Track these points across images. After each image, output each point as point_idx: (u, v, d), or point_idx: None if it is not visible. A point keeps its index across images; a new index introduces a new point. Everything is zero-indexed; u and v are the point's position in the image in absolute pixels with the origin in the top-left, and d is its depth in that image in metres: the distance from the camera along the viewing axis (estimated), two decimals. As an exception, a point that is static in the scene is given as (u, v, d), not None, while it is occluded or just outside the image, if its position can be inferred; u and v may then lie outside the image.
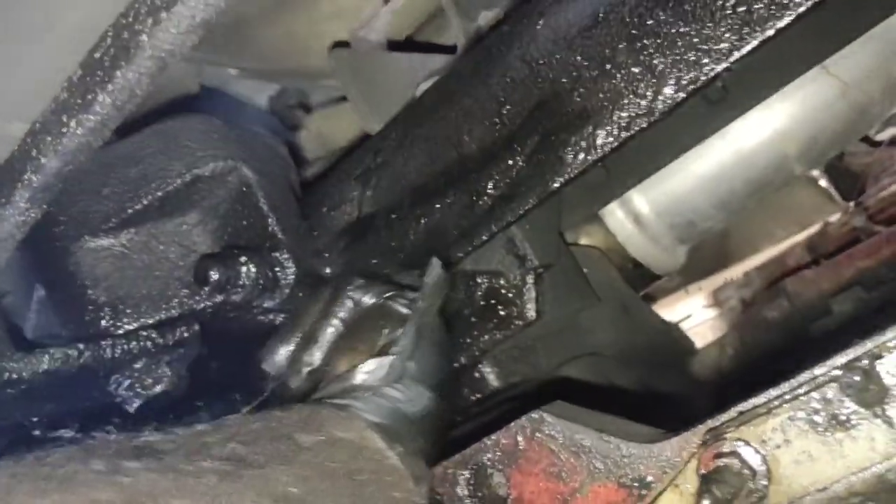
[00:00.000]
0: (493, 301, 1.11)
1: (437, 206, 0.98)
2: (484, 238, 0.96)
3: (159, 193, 1.02)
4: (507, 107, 0.94)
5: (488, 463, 0.80)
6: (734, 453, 0.66)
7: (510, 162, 0.93)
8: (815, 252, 1.68)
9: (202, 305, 1.01)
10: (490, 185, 0.94)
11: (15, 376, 0.94)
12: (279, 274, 1.00)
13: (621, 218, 1.33)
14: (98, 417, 1.01)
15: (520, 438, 0.78)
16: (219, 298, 0.99)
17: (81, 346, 0.97)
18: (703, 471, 0.67)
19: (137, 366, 1.01)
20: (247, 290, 0.97)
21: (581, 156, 0.89)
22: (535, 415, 0.78)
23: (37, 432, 1.01)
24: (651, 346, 1.36)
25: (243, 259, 0.97)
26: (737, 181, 1.28)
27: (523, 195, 0.93)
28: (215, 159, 1.00)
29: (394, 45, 1.41)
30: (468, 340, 1.11)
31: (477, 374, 1.12)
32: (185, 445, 0.54)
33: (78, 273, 1.03)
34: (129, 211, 1.02)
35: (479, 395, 1.11)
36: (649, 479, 0.72)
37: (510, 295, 1.11)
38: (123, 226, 1.03)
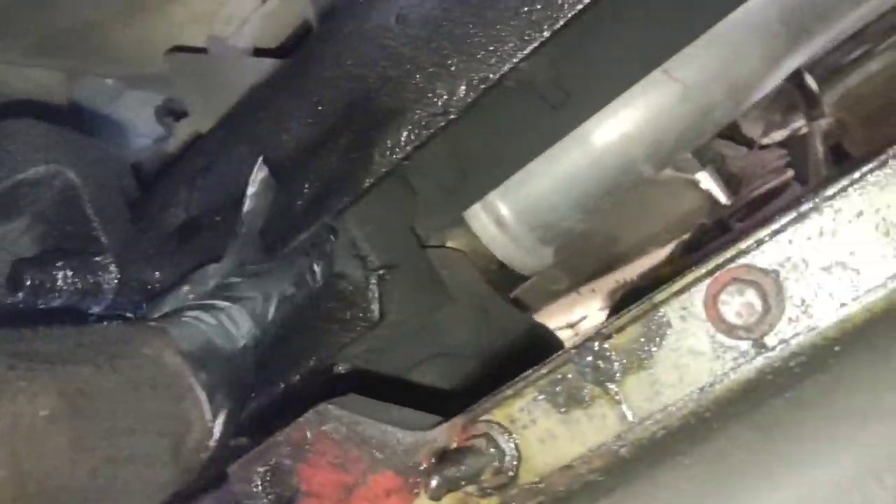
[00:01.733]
0: (338, 303, 1.12)
1: (258, 206, 0.98)
2: (302, 238, 0.97)
3: (-17, 200, 1.01)
4: (321, 106, 0.95)
5: (281, 457, 0.80)
6: (484, 435, 0.68)
7: (325, 160, 0.94)
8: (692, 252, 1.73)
9: (25, 310, 1.00)
10: (306, 184, 0.95)
11: None
12: (101, 279, 0.99)
13: (484, 220, 1.34)
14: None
15: (308, 432, 0.79)
16: (39, 303, 0.98)
17: None
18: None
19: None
20: (65, 294, 0.96)
21: (387, 154, 0.91)
22: (320, 408, 0.79)
23: None
24: (513, 346, 1.38)
25: (60, 263, 0.96)
26: (589, 183, 1.31)
27: (337, 193, 0.94)
28: (37, 163, 1.00)
29: (261, 52, 1.42)
30: (317, 343, 1.11)
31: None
32: None
33: None
34: (-45, 218, 1.01)
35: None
36: (423, 465, 0.73)
37: (354, 297, 1.11)
38: (-51, 233, 1.01)
